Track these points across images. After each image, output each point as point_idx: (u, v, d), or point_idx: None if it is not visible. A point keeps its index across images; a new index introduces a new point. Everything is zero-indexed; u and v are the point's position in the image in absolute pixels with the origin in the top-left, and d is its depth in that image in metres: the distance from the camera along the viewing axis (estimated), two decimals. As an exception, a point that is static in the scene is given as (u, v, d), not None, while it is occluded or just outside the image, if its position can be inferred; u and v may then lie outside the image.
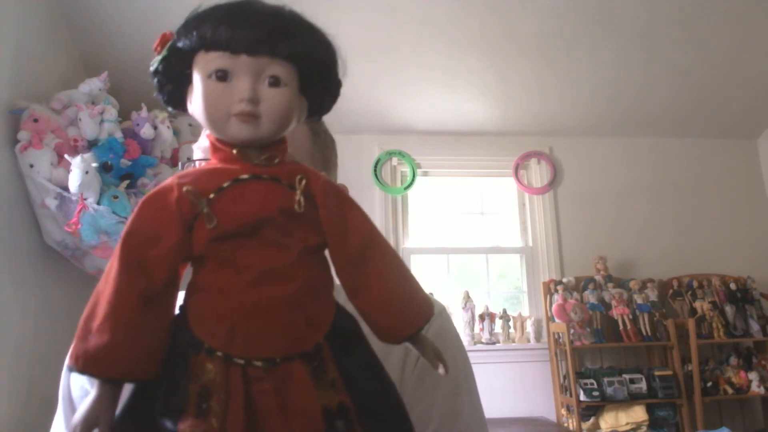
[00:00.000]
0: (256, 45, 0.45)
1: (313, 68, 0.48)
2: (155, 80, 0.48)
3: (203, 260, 0.46)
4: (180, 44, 0.46)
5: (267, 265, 0.45)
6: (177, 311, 0.47)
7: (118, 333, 0.42)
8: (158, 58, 0.47)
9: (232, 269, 0.45)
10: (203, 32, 0.45)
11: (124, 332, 0.43)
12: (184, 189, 0.45)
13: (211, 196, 0.45)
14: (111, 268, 0.44)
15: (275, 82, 0.46)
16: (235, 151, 0.47)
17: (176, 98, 0.49)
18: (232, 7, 0.46)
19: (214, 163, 0.48)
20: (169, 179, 0.47)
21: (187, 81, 0.47)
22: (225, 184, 0.46)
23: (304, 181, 0.47)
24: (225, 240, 0.45)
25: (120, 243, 0.44)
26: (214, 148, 0.48)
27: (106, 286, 0.44)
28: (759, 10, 2.68)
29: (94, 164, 1.94)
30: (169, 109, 0.50)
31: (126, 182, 2.09)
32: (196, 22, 0.46)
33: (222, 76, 0.45)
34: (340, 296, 0.49)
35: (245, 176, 0.46)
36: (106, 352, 0.42)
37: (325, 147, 0.81)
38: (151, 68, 0.48)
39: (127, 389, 0.44)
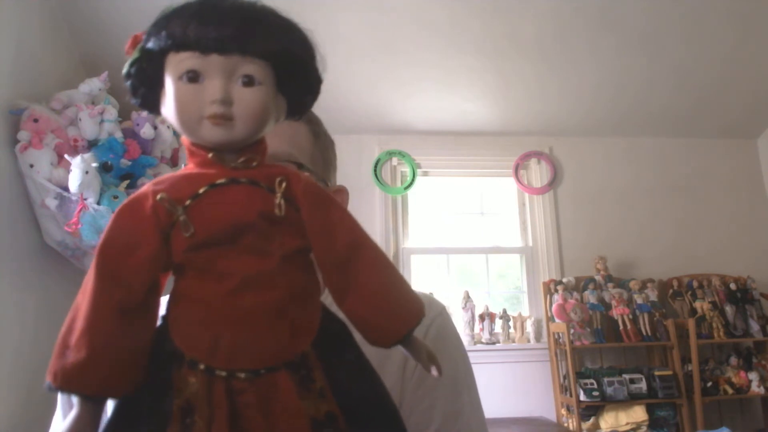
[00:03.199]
0: (226, 43, 0.43)
1: (290, 65, 0.46)
2: (128, 83, 0.46)
3: (183, 269, 0.44)
4: (150, 45, 0.44)
5: (248, 272, 0.43)
6: (160, 321, 0.45)
7: (96, 348, 0.41)
8: (129, 60, 0.46)
9: (213, 278, 0.43)
10: (172, 32, 0.43)
11: (102, 347, 0.41)
12: (158, 197, 0.43)
13: (187, 202, 0.44)
14: (88, 280, 0.43)
15: (249, 81, 0.44)
16: (210, 155, 0.45)
17: (150, 101, 0.47)
18: (203, 4, 0.44)
19: (190, 168, 0.46)
20: (145, 186, 0.45)
21: (160, 83, 0.46)
22: (201, 190, 0.44)
23: (284, 184, 0.46)
24: (203, 248, 0.43)
25: (96, 253, 0.43)
26: (190, 153, 0.46)
27: (83, 298, 0.42)
28: (759, 10, 2.68)
29: (94, 164, 1.94)
30: (146, 112, 0.49)
31: (126, 182, 2.09)
32: (164, 21, 0.44)
33: (193, 77, 0.43)
34: (329, 299, 0.48)
35: (222, 181, 0.45)
36: (84, 369, 0.40)
37: (325, 148, 0.81)
38: (123, 71, 0.46)
39: (111, 404, 0.43)
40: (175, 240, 0.44)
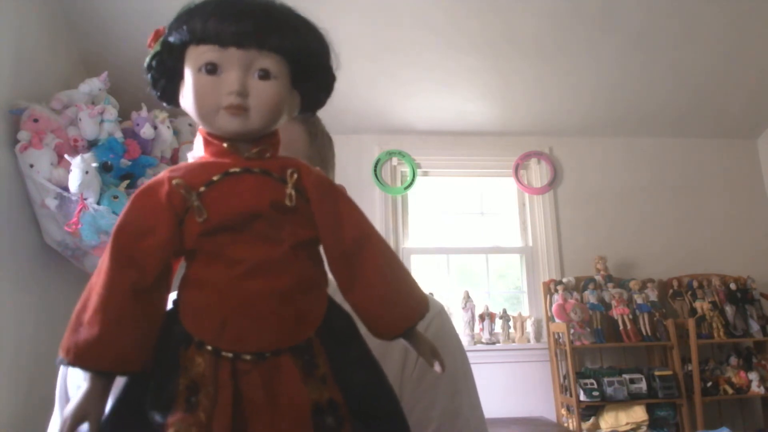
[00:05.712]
0: (244, 38, 0.45)
1: (305, 61, 0.48)
2: (149, 76, 0.49)
3: (195, 254, 0.46)
4: (171, 39, 0.47)
5: (257, 259, 0.45)
6: (171, 305, 0.47)
7: (109, 325, 0.42)
8: (151, 53, 0.48)
9: (223, 263, 0.45)
10: (193, 26, 0.46)
11: (114, 324, 0.43)
12: (174, 182, 0.45)
13: (202, 189, 0.45)
14: (103, 261, 0.44)
15: (264, 74, 0.46)
16: (225, 145, 0.47)
17: (169, 93, 0.49)
18: (222, 1, 0.46)
19: (206, 157, 0.48)
20: (161, 173, 0.47)
21: (180, 76, 0.48)
22: (215, 178, 0.46)
23: (295, 175, 0.47)
24: (215, 234, 0.45)
25: (112, 236, 0.45)
26: (206, 142, 0.48)
27: (98, 279, 0.44)
28: (758, 10, 2.68)
29: (94, 164, 1.94)
30: (164, 104, 0.51)
31: (126, 182, 2.09)
32: (186, 16, 0.47)
33: (211, 69, 0.46)
34: (338, 295, 0.49)
35: (236, 170, 0.47)
36: (96, 345, 0.42)
37: (322, 147, 0.81)
38: (145, 63, 0.48)
39: (121, 382, 0.45)
40: (189, 225, 0.45)
